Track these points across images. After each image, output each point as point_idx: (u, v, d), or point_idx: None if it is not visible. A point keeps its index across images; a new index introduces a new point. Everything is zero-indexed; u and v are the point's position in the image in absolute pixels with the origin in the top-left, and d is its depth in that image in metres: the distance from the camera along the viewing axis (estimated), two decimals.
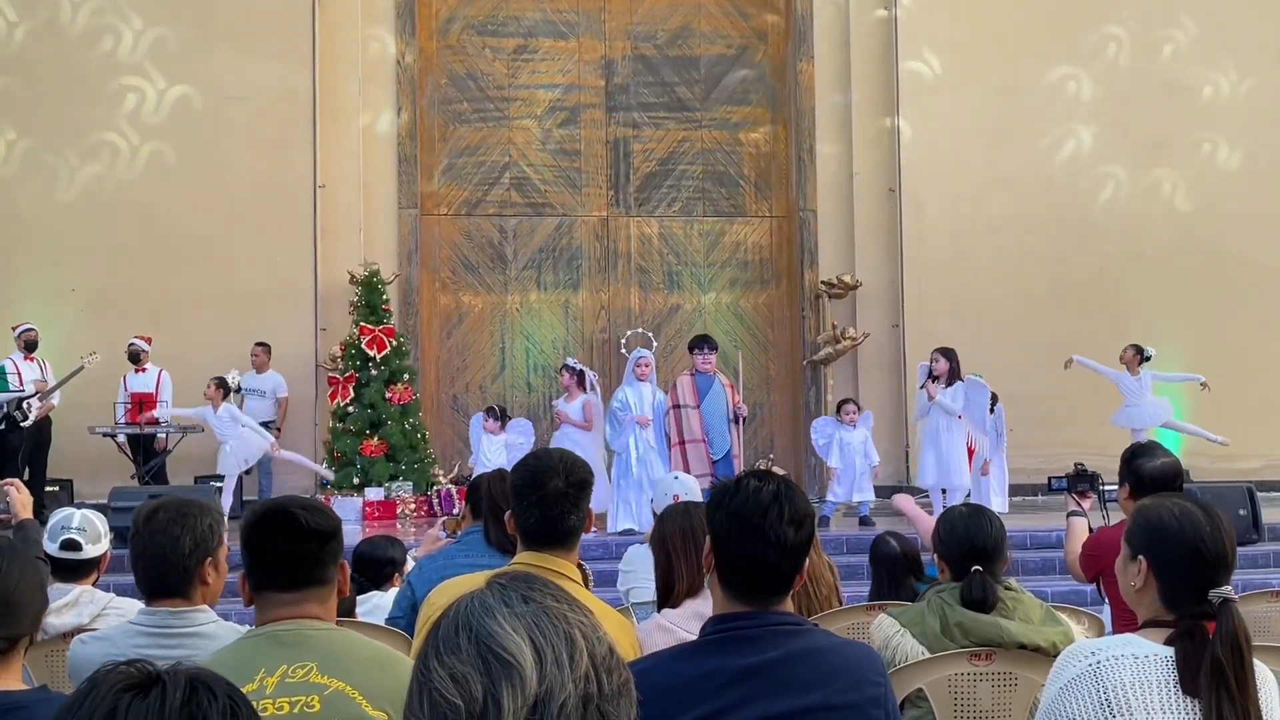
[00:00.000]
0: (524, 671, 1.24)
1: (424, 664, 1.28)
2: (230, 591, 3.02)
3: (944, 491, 11.23)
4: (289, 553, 2.47)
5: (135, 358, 12.38)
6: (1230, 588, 2.36)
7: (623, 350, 12.58)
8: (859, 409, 11.63)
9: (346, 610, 4.55)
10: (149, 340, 12.48)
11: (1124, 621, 3.96)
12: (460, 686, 1.24)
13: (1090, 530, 4.86)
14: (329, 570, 2.51)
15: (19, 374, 11.74)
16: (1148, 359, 12.85)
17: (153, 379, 12.38)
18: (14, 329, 12.08)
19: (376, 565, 5.45)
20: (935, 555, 3.84)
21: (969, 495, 11.92)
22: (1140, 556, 2.45)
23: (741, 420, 10.99)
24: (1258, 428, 13.68)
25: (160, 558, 2.96)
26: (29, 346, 12.03)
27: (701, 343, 11.26)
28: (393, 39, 14.23)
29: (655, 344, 12.80)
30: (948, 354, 11.47)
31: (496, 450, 11.73)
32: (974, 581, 3.62)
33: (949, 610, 3.61)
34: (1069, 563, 4.92)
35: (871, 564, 5.14)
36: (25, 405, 11.66)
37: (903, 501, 6.05)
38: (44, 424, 11.94)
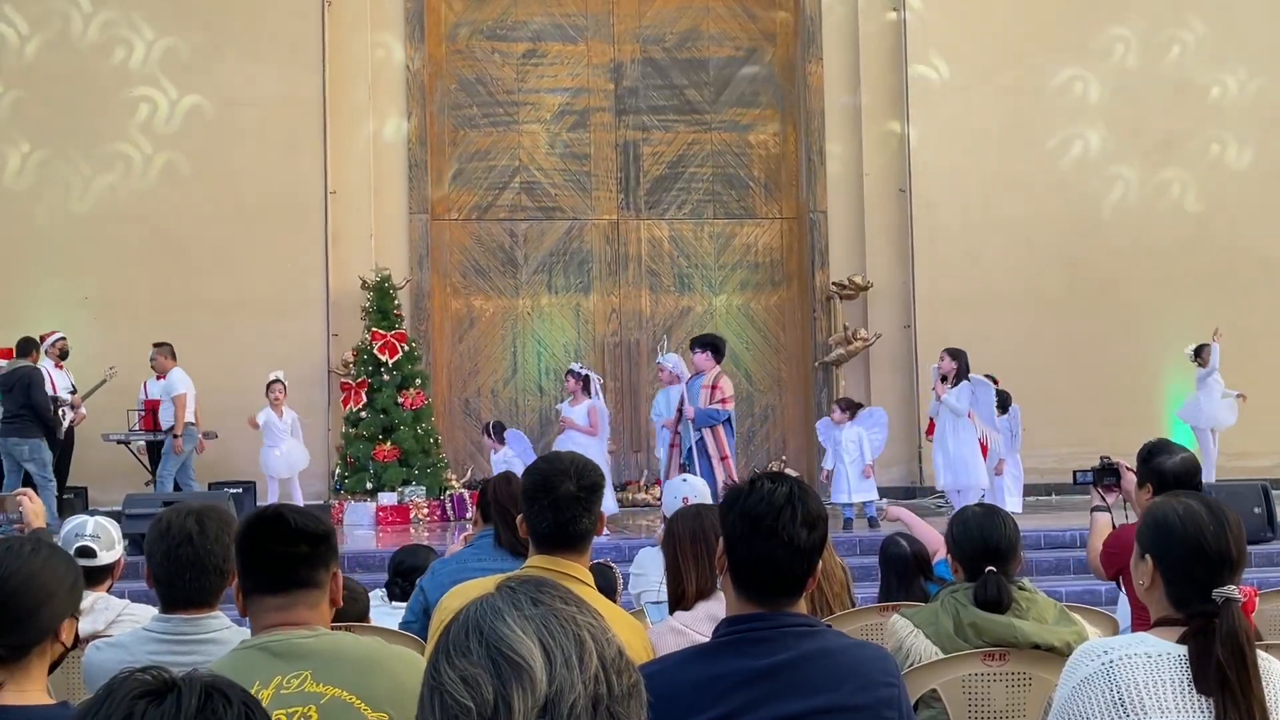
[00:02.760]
0: (534, 673, 1.25)
1: (435, 667, 1.29)
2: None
3: (958, 492, 11.11)
4: (279, 554, 2.49)
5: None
6: (1234, 587, 2.36)
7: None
8: (848, 408, 11.33)
9: (358, 615, 4.56)
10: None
11: (1142, 620, 3.95)
12: (471, 688, 1.25)
13: (1115, 526, 4.83)
14: (318, 573, 2.52)
15: (52, 383, 11.80)
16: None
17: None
18: (42, 338, 12.14)
19: (418, 573, 5.47)
20: (949, 555, 3.83)
21: (984, 495, 11.90)
22: (1147, 555, 2.46)
23: (692, 423, 10.49)
24: (1271, 426, 13.63)
25: (213, 569, 2.97)
26: (63, 355, 12.13)
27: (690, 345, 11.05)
28: (401, 44, 14.27)
29: (667, 347, 12.59)
30: (955, 354, 11.35)
31: (498, 469, 11.79)
32: (988, 582, 3.61)
33: (962, 610, 3.60)
34: (1090, 559, 4.89)
35: (880, 565, 5.14)
36: (60, 413, 11.74)
37: (896, 511, 6.06)
38: (68, 433, 12.03)
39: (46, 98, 13.45)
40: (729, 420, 10.60)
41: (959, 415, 11.05)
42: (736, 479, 9.92)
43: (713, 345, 10.95)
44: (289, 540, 2.49)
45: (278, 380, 12.25)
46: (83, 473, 12.44)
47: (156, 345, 12.05)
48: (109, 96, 13.56)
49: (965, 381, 11.16)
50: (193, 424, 11.84)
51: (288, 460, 12.21)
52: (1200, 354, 12.97)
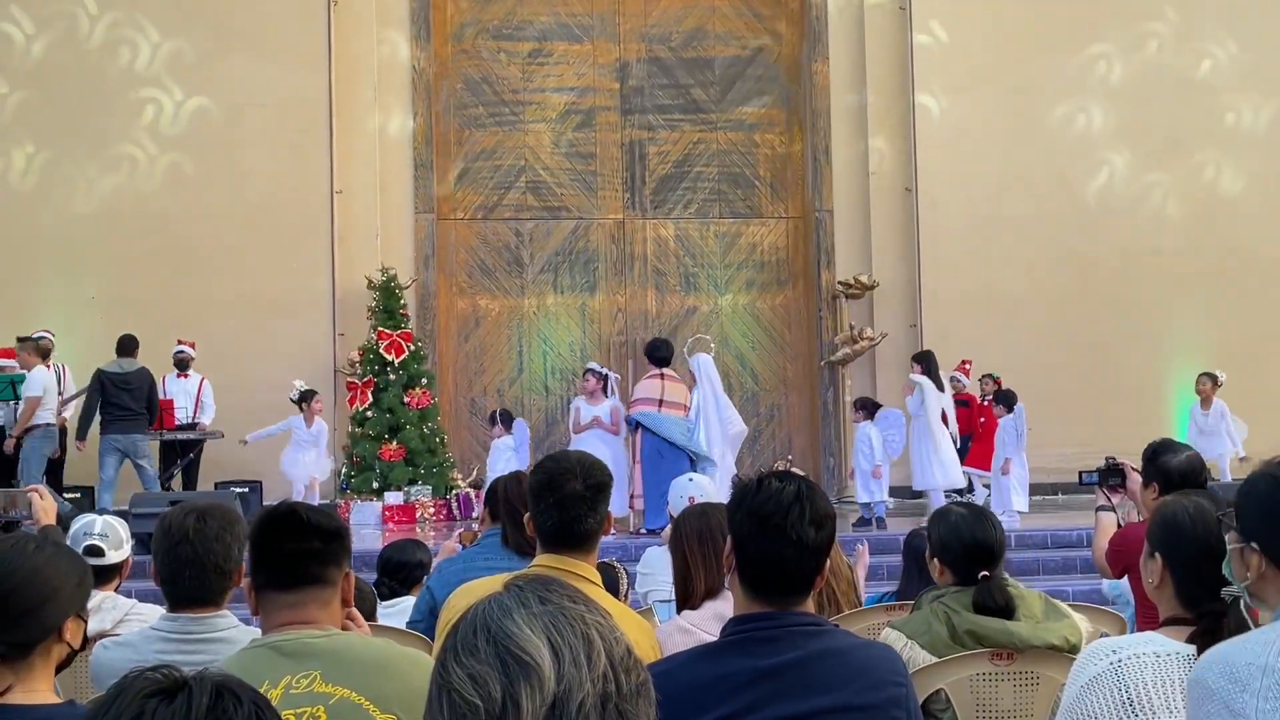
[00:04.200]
0: (542, 671, 1.25)
1: (443, 665, 1.29)
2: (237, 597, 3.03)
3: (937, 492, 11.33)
4: (291, 551, 2.48)
5: (184, 365, 12.43)
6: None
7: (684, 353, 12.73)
8: (863, 407, 11.50)
9: (366, 615, 4.56)
10: (193, 345, 12.54)
11: (1149, 619, 3.94)
12: (479, 687, 1.25)
13: (1120, 525, 4.83)
14: (330, 570, 2.51)
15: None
16: (1219, 384, 12.87)
17: (194, 385, 12.46)
18: (31, 337, 12.11)
19: (405, 569, 5.47)
20: (935, 559, 3.71)
21: (981, 492, 11.90)
22: (1157, 554, 2.45)
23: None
24: (1278, 427, 13.59)
25: (212, 567, 2.96)
26: (43, 355, 12.04)
27: None
28: (407, 44, 14.28)
29: (712, 348, 12.62)
30: (919, 358, 11.67)
31: (501, 453, 11.78)
32: (991, 589, 3.52)
33: (955, 617, 3.52)
34: (1096, 558, 4.88)
35: (904, 556, 5.10)
36: None
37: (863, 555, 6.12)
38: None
39: (52, 98, 13.48)
40: (640, 425, 10.81)
41: (915, 418, 11.38)
42: (638, 490, 10.56)
43: (648, 352, 11.41)
44: (301, 536, 2.48)
45: (315, 393, 12.23)
46: (90, 472, 12.43)
47: (20, 340, 11.81)
48: (115, 97, 13.58)
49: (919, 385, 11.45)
50: (51, 425, 11.47)
51: (306, 468, 12.17)
52: (1198, 385, 12.92)
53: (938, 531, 3.67)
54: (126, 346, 11.40)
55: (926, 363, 11.70)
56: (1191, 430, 12.81)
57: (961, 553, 3.58)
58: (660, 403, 10.84)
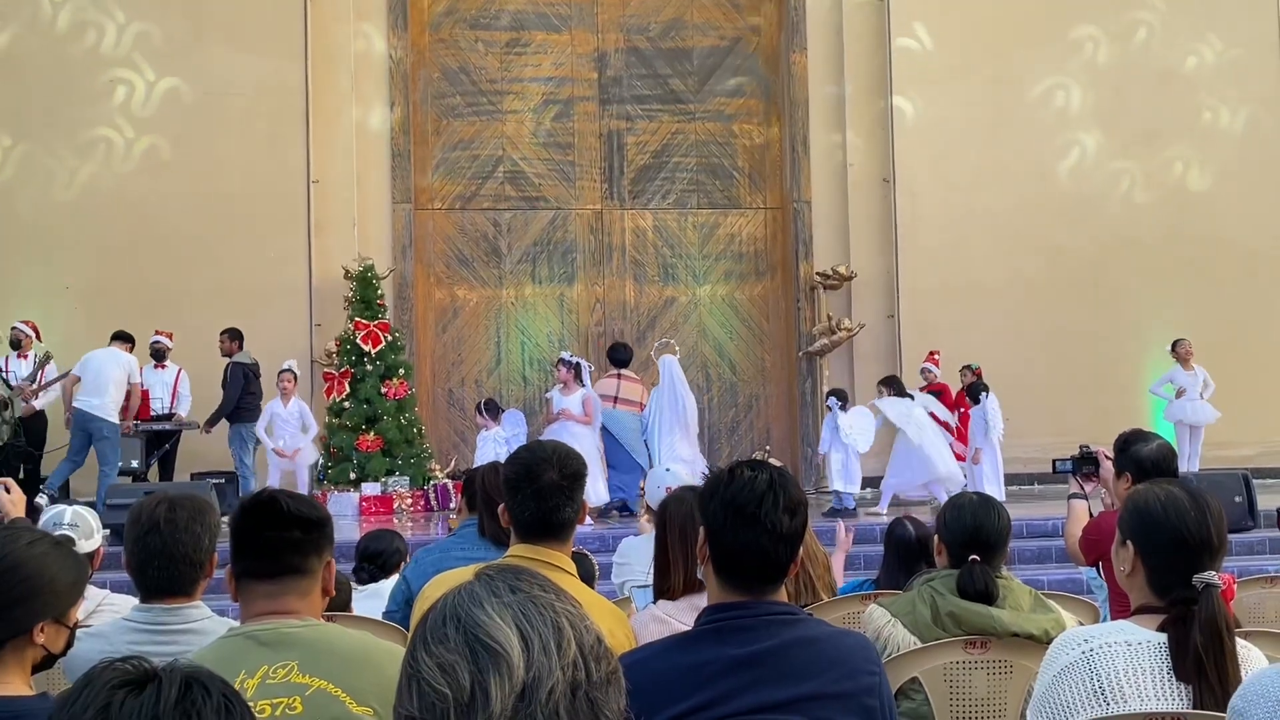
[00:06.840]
0: (511, 659, 1.24)
1: (412, 655, 1.29)
2: (217, 588, 3.00)
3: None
4: (271, 539, 2.46)
5: (160, 355, 12.36)
6: (1214, 574, 2.36)
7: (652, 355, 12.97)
8: (836, 400, 11.61)
9: (341, 605, 4.55)
10: (170, 336, 12.47)
11: (1121, 607, 3.96)
12: (448, 675, 1.25)
13: (1091, 514, 4.85)
14: (310, 559, 2.49)
15: (8, 373, 11.71)
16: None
17: (172, 376, 12.39)
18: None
19: (383, 557, 5.54)
20: (936, 539, 3.80)
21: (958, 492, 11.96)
22: (1129, 541, 2.47)
23: None
24: (1253, 415, 13.71)
25: (181, 557, 2.92)
26: (13, 345, 11.99)
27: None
28: (384, 33, 14.20)
29: (677, 350, 12.74)
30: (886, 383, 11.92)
31: (491, 445, 11.73)
32: (974, 573, 3.57)
33: (939, 599, 3.58)
34: (1068, 545, 4.90)
35: (885, 546, 5.13)
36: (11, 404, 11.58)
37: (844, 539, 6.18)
38: (37, 424, 11.88)
39: (23, 86, 13.35)
40: (603, 426, 11.59)
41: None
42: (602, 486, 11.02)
43: (608, 355, 12.47)
44: (282, 525, 2.47)
45: (288, 369, 12.12)
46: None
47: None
48: (87, 84, 13.46)
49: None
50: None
51: (287, 446, 12.08)
52: (1176, 347, 13.15)
53: (945, 514, 3.76)
54: (242, 337, 12.14)
55: (892, 386, 11.78)
56: (1173, 385, 13.15)
57: (960, 536, 3.65)
58: (615, 399, 11.60)
